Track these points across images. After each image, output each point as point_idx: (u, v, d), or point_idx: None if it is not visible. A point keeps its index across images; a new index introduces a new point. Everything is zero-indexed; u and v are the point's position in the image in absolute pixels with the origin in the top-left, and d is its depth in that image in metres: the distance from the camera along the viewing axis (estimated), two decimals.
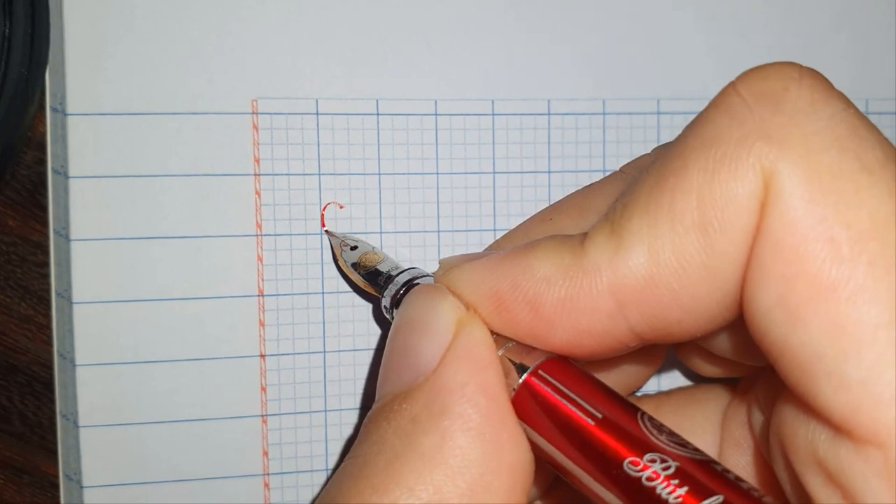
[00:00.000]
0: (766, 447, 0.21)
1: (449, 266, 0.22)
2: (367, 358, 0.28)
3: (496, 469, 0.19)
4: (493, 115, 0.29)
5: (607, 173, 0.29)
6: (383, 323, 0.28)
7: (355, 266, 0.26)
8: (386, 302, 0.24)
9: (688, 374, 0.30)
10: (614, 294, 0.19)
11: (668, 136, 0.30)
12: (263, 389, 0.28)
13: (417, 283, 0.24)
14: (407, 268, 0.25)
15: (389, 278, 0.25)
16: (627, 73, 0.29)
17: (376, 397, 0.21)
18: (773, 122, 0.18)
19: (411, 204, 0.28)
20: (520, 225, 0.26)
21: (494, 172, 0.29)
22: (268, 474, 0.28)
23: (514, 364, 0.20)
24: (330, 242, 0.28)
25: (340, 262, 0.27)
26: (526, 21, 0.28)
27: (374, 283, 0.25)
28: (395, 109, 0.28)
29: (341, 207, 0.28)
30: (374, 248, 0.27)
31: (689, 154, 0.18)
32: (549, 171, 0.29)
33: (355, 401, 0.28)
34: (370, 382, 0.28)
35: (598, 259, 0.19)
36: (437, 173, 0.28)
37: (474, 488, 0.19)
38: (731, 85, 0.19)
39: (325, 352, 0.28)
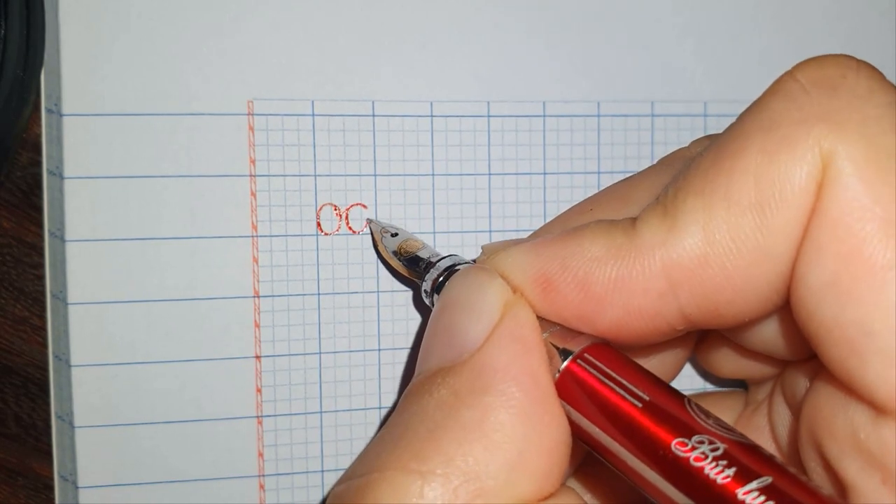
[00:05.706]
0: (795, 442, 0.21)
1: (493, 250, 0.22)
2: (363, 359, 0.28)
3: (536, 448, 0.19)
4: (489, 116, 0.29)
5: (602, 175, 0.29)
6: (423, 309, 0.28)
7: (396, 253, 0.27)
8: (426, 286, 0.25)
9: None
10: (667, 274, 0.19)
11: (662, 138, 0.30)
12: (259, 391, 0.28)
13: (458, 269, 0.24)
14: (447, 255, 0.25)
15: (430, 264, 0.25)
16: (622, 76, 0.29)
17: (416, 372, 0.21)
18: (832, 105, 0.18)
19: (406, 206, 0.28)
20: (558, 216, 0.26)
21: (490, 174, 0.29)
22: (263, 476, 0.28)
23: (558, 349, 0.20)
24: (370, 230, 0.28)
25: (381, 249, 0.27)
26: (521, 23, 0.28)
27: (415, 269, 0.26)
28: (390, 111, 0.28)
29: (335, 209, 0.28)
30: (413, 235, 0.27)
31: (746, 136, 0.18)
32: (545, 173, 0.29)
33: (350, 402, 0.28)
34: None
35: (652, 239, 0.19)
36: (433, 175, 0.28)
37: (513, 464, 0.19)
38: (789, 73, 0.19)
39: (320, 353, 0.28)
